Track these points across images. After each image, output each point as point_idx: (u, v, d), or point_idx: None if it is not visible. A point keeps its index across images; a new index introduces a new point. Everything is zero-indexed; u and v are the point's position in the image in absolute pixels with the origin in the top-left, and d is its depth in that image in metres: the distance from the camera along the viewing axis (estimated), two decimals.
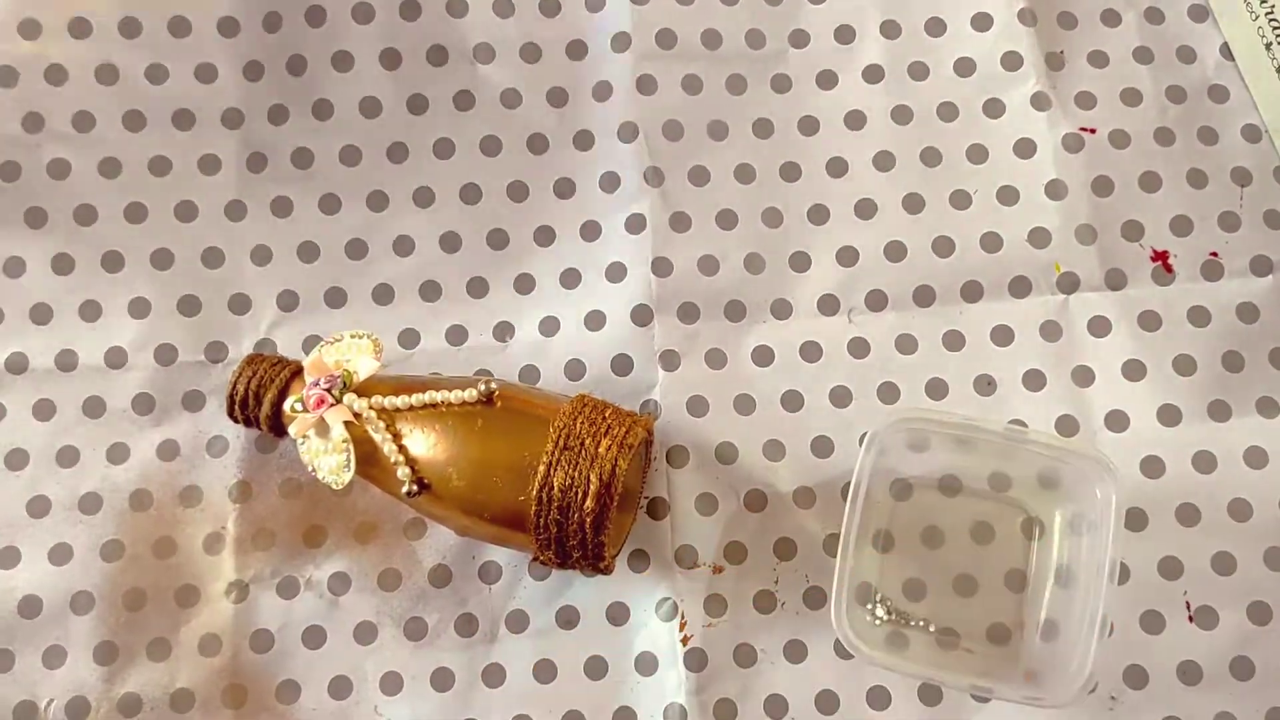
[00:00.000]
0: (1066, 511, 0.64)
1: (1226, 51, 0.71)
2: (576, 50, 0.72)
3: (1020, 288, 0.68)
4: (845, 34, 0.72)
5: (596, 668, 0.65)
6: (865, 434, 0.61)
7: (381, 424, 0.59)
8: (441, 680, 0.65)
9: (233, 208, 0.70)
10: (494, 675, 0.65)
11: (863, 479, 0.60)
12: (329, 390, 0.60)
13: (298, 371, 0.62)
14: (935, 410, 0.65)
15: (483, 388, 0.59)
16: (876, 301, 0.68)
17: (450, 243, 0.70)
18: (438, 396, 0.59)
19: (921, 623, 0.64)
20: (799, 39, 0.72)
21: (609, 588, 0.65)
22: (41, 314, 0.69)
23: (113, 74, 0.71)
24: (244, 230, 0.70)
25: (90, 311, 0.69)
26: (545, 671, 0.65)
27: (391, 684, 0.65)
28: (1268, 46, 0.69)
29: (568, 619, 0.65)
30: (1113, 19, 0.72)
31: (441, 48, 0.72)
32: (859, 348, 0.68)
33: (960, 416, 0.63)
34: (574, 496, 0.57)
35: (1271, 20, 0.69)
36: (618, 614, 0.65)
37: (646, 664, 0.64)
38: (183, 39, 0.72)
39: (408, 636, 0.65)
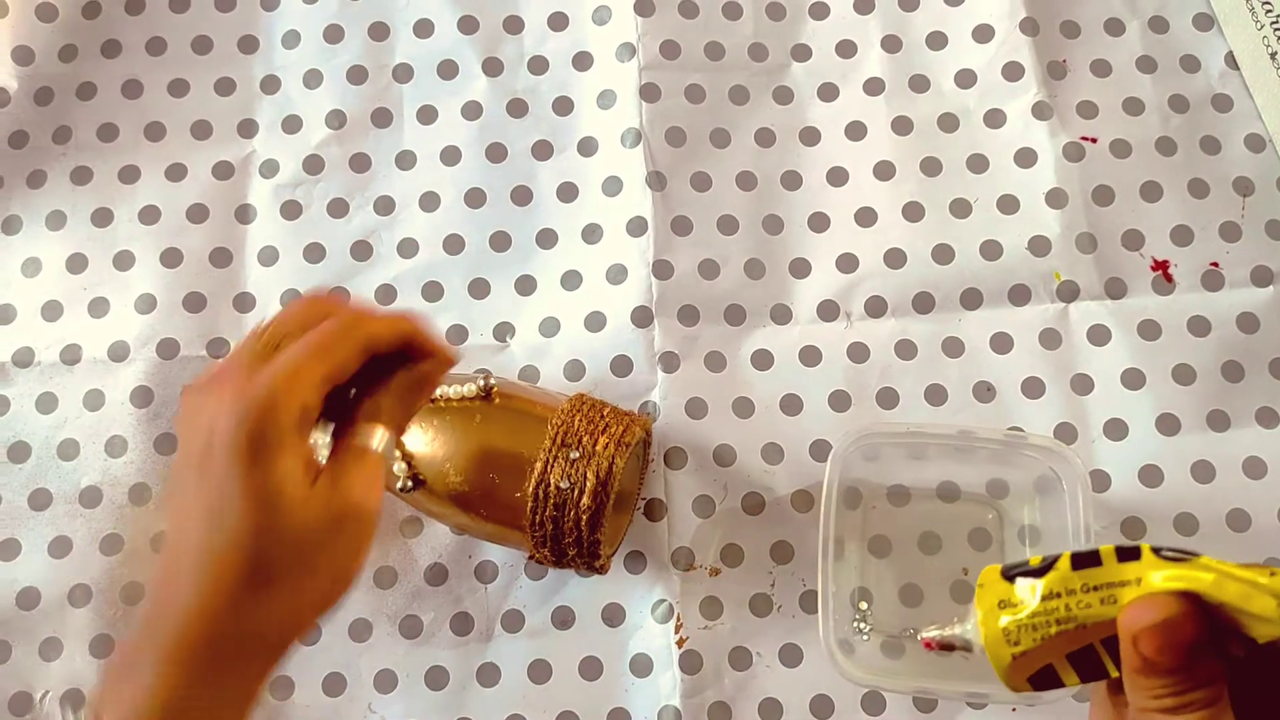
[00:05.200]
0: (1063, 517, 0.63)
1: (1231, 60, 0.71)
2: (582, 61, 0.73)
3: (1020, 296, 0.68)
4: (847, 48, 0.73)
5: (591, 668, 0.64)
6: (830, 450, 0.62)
7: None
8: (436, 679, 0.65)
9: (243, 210, 0.71)
10: (488, 674, 0.65)
11: (831, 495, 0.61)
12: None
13: None
14: (891, 424, 0.66)
15: (481, 382, 0.59)
16: (876, 308, 0.68)
17: (454, 245, 0.70)
18: (436, 391, 0.59)
19: (911, 631, 0.64)
20: (801, 53, 0.73)
21: (605, 588, 0.65)
22: (52, 311, 0.70)
23: (137, 89, 0.73)
24: (253, 232, 0.71)
25: (98, 308, 0.70)
26: (540, 671, 0.64)
27: (386, 682, 0.64)
28: (1273, 55, 0.69)
29: (563, 619, 0.65)
30: (1116, 28, 0.72)
31: (452, 62, 0.73)
32: (858, 353, 0.68)
33: (912, 426, 0.64)
34: (570, 493, 0.57)
35: (1277, 29, 0.69)
36: (613, 615, 0.65)
37: (641, 666, 0.64)
38: (203, 55, 0.74)
39: (403, 634, 0.65)
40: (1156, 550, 0.39)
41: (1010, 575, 0.41)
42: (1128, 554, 0.39)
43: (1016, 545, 0.65)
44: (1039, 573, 0.40)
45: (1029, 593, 0.40)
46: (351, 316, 0.45)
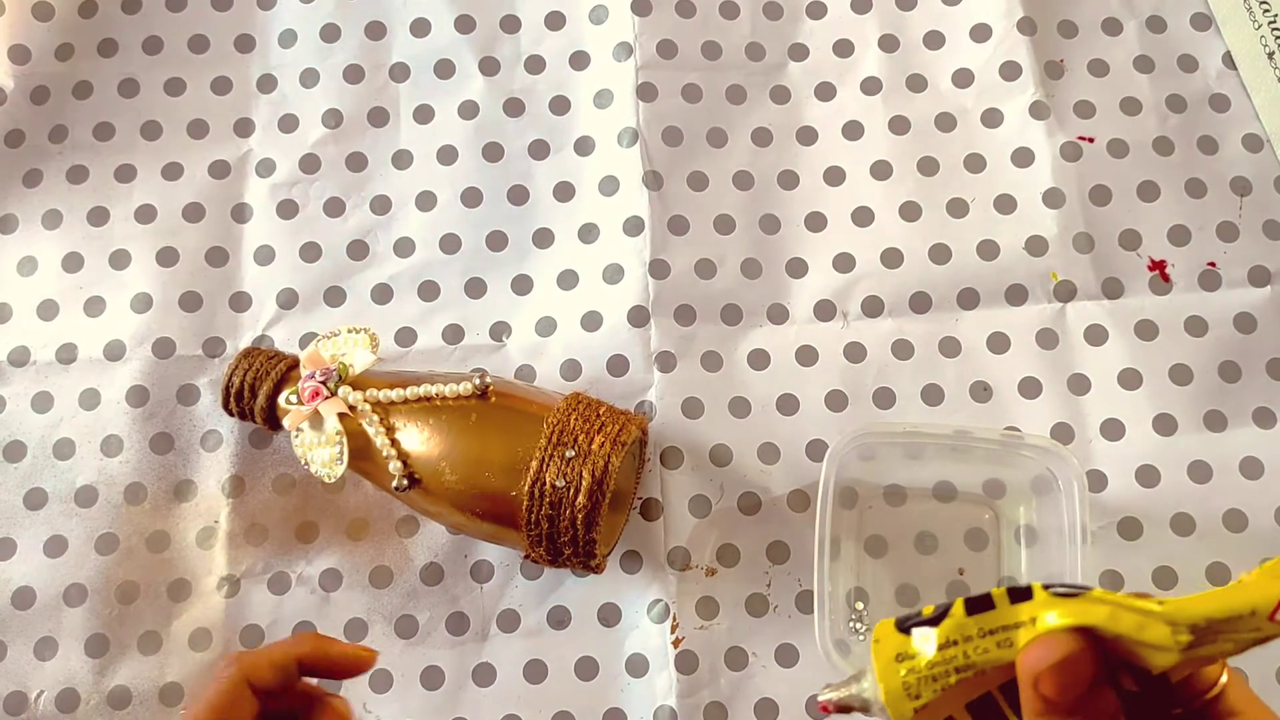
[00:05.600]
0: (1059, 517, 0.63)
1: (1229, 60, 0.71)
2: (579, 61, 0.73)
3: (1017, 295, 0.68)
4: (844, 48, 0.73)
5: (587, 668, 0.64)
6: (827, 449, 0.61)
7: (375, 417, 0.59)
8: (431, 679, 0.64)
9: (239, 210, 0.71)
10: (484, 674, 0.64)
11: (827, 494, 0.60)
12: (324, 383, 0.60)
13: (293, 366, 0.63)
14: (888, 423, 0.66)
15: (477, 381, 0.59)
16: (873, 307, 0.68)
17: (450, 244, 0.70)
18: (432, 390, 0.59)
19: None
20: (798, 52, 0.73)
21: (601, 588, 0.65)
22: (48, 310, 0.70)
23: (134, 88, 0.73)
24: (249, 231, 0.71)
25: (94, 307, 0.70)
26: (536, 671, 0.64)
27: (381, 681, 0.64)
28: (1270, 55, 0.69)
29: (559, 619, 0.65)
30: (1114, 27, 0.72)
31: (449, 62, 0.73)
32: (855, 353, 0.68)
33: (909, 426, 0.63)
34: (566, 492, 0.57)
35: (1274, 29, 0.69)
36: (609, 615, 0.65)
37: (637, 665, 0.64)
38: (200, 55, 0.74)
39: (398, 634, 0.65)
40: (1048, 587, 0.38)
41: (905, 627, 0.40)
42: (1020, 594, 0.39)
43: (1013, 545, 0.65)
44: (934, 621, 0.40)
45: (925, 643, 0.39)
46: (235, 670, 0.47)
